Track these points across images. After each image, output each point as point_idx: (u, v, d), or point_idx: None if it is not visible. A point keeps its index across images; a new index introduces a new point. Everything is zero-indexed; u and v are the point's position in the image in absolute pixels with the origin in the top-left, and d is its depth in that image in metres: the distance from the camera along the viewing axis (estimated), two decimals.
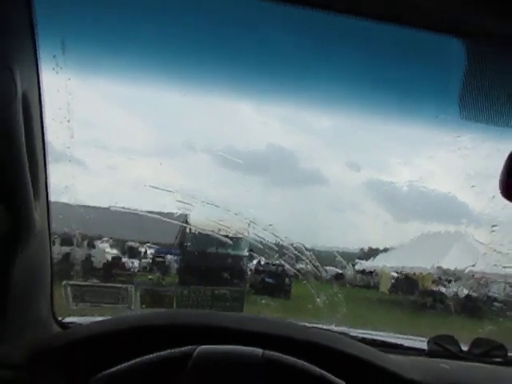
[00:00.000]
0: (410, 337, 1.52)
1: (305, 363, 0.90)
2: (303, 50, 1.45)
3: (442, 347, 1.29)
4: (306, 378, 0.89)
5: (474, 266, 3.10)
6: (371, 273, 7.34)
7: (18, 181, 0.90)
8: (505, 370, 1.25)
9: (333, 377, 0.89)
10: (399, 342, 1.38)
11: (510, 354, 1.31)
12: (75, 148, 1.26)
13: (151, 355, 0.89)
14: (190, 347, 0.90)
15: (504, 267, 2.56)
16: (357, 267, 6.77)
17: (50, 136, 1.03)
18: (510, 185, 0.72)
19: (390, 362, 1.08)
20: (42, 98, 0.95)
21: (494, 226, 2.22)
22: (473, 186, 2.33)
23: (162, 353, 0.89)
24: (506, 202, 0.74)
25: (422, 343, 1.36)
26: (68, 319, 1.29)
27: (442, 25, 0.85)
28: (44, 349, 1.04)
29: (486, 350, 1.30)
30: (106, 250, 8.84)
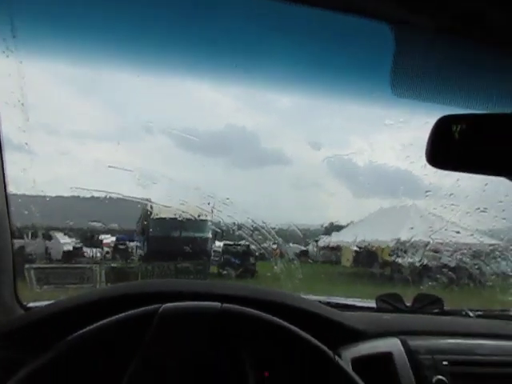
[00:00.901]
0: (362, 300, 1.62)
1: (261, 313, 0.95)
2: (258, 27, 1.44)
3: (389, 303, 1.43)
4: (263, 325, 0.94)
5: (429, 236, 3.26)
6: (333, 248, 7.57)
7: None
8: (440, 318, 1.41)
9: (288, 324, 0.95)
10: (352, 303, 1.48)
11: (446, 308, 1.45)
12: (27, 134, 1.20)
13: (117, 316, 0.91)
14: (155, 306, 0.93)
15: (454, 236, 2.72)
16: (320, 243, 6.95)
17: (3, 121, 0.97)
18: (434, 153, 0.78)
19: (341, 316, 1.20)
20: None
21: (450, 195, 2.33)
22: (407, 157, 2.43)
23: (127, 313, 0.92)
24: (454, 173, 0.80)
25: (372, 303, 1.47)
26: (33, 304, 1.27)
27: (375, 12, 0.89)
28: (8, 330, 1.04)
29: (425, 304, 1.45)
30: (63, 241, 8.55)
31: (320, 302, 1.36)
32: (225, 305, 0.96)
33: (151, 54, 1.38)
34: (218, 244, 7.71)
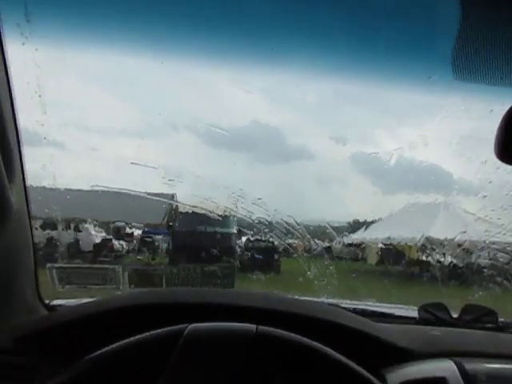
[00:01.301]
0: (400, 306, 1.53)
1: (300, 337, 0.88)
2: (285, 18, 1.39)
3: (433, 314, 1.29)
4: (302, 351, 0.87)
5: (462, 234, 3.14)
6: (359, 245, 7.44)
7: None
8: (496, 335, 1.25)
9: (328, 349, 0.87)
10: (389, 311, 1.38)
11: (500, 320, 1.30)
12: (49, 129, 1.19)
13: (141, 335, 0.86)
14: (180, 326, 0.87)
15: (492, 235, 2.59)
16: (345, 240, 6.84)
17: (21, 114, 0.96)
18: (506, 146, 0.69)
19: (381, 331, 1.08)
20: (9, 72, 0.87)
21: (482, 193, 2.22)
22: (462, 152, 2.31)
23: (152, 332, 0.86)
24: (497, 167, 0.71)
25: (412, 312, 1.36)
26: (55, 302, 1.27)
27: None
28: (30, 332, 1.03)
29: (476, 317, 1.30)
30: (93, 233, 8.78)
31: (355, 309, 1.28)
32: (260, 327, 0.88)
33: (178, 47, 1.36)
34: (243, 239, 7.72)
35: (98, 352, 0.84)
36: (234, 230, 6.98)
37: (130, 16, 1.18)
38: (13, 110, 0.94)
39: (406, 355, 1.03)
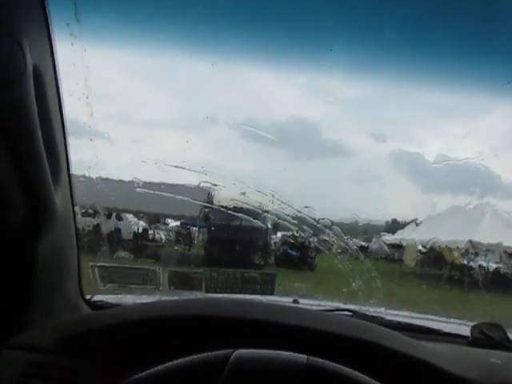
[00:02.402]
0: (446, 319, 1.45)
1: (350, 370, 0.83)
2: (328, 12, 1.36)
3: (488, 336, 1.18)
4: None
5: (507, 240, 2.98)
6: (397, 246, 7.24)
7: (34, 161, 0.86)
8: None
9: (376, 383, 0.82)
10: (436, 326, 1.30)
11: None
12: (96, 123, 1.22)
13: (185, 359, 0.84)
14: (226, 351, 0.84)
15: None
16: (382, 240, 6.68)
17: (68, 114, 0.99)
18: None
19: (428, 353, 1.00)
20: (58, 72, 0.91)
21: None
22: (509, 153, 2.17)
23: (196, 356, 0.84)
24: None
25: (463, 329, 1.25)
26: (96, 298, 1.29)
27: None
28: (73, 333, 1.03)
29: None
30: (133, 222, 9.07)
31: (399, 324, 1.23)
32: (311, 359, 0.84)
33: (221, 45, 1.37)
34: (278, 235, 7.71)
35: (142, 374, 0.82)
36: (269, 225, 6.98)
37: (177, 14, 1.19)
38: (61, 111, 0.97)
39: None
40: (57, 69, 0.90)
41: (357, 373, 0.82)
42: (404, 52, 1.44)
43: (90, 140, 1.16)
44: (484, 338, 1.18)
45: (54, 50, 0.88)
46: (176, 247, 8.17)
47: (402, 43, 1.41)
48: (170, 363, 0.82)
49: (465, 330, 1.23)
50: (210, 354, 0.83)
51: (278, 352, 0.86)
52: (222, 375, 0.80)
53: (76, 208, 1.16)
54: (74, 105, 0.96)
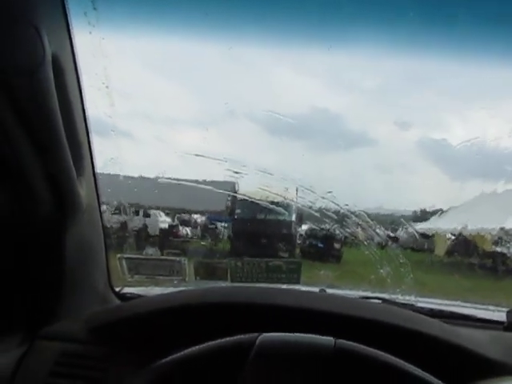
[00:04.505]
0: (480, 306, 1.40)
1: (380, 353, 0.82)
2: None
3: None
4: (384, 368, 0.82)
5: None
6: (426, 235, 7.07)
7: (56, 153, 0.87)
8: None
9: (410, 366, 0.81)
10: (469, 312, 1.26)
11: None
12: (117, 118, 1.23)
13: (211, 343, 0.84)
14: (251, 335, 0.84)
15: None
16: (411, 229, 6.53)
17: (89, 104, 0.99)
18: None
19: (467, 339, 0.97)
20: (77, 62, 0.91)
21: None
22: None
23: (222, 341, 0.84)
24: None
25: (498, 315, 1.23)
26: (126, 290, 1.32)
27: None
28: (104, 322, 1.06)
29: None
30: (160, 219, 9.21)
31: (432, 310, 1.20)
32: (338, 341, 0.83)
33: (240, 34, 1.35)
34: (304, 227, 7.67)
35: (168, 359, 0.83)
36: (294, 218, 6.96)
37: (195, 3, 1.18)
38: (82, 102, 0.97)
39: (499, 369, 0.92)
40: (76, 58, 0.91)
41: (388, 355, 0.80)
42: (426, 36, 1.39)
43: (112, 131, 1.16)
44: None
45: (73, 39, 0.88)
46: (202, 242, 8.25)
47: (423, 27, 1.36)
48: (196, 347, 0.82)
49: (500, 316, 1.20)
50: (235, 337, 0.83)
51: (303, 335, 0.85)
52: (249, 359, 0.80)
53: (101, 202, 1.17)
54: (94, 95, 0.96)
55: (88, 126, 1.00)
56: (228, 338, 0.84)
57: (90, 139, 1.02)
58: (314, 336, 0.84)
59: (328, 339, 0.83)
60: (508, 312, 1.19)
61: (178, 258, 1.72)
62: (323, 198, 2.44)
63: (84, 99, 0.97)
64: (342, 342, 0.83)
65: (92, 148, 1.04)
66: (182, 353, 0.84)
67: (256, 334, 0.83)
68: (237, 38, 1.39)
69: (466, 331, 1.07)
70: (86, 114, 0.99)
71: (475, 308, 1.37)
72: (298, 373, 0.79)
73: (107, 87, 1.02)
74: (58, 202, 0.91)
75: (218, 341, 0.84)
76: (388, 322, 0.96)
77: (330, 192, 2.38)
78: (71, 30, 0.86)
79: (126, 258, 1.51)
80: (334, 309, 0.99)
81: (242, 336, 0.84)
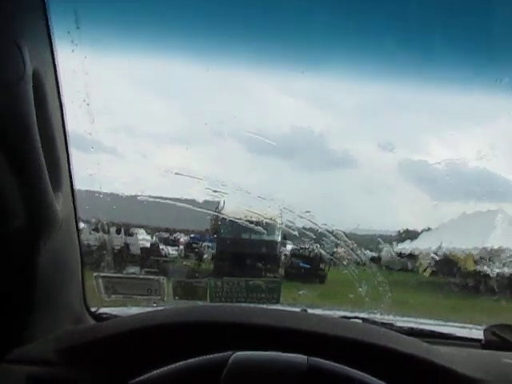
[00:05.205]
0: (461, 325, 1.41)
1: (354, 371, 0.81)
2: (330, 22, 1.36)
3: (501, 338, 1.15)
4: None
5: None
6: (409, 255, 7.14)
7: (32, 168, 0.85)
8: None
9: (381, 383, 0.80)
10: (449, 331, 1.27)
11: None
12: (97, 135, 1.22)
13: (184, 362, 0.83)
14: (224, 354, 0.82)
15: None
16: (393, 250, 6.59)
17: (69, 120, 0.99)
18: None
19: (441, 356, 0.97)
20: (59, 79, 0.90)
21: None
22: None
23: (195, 360, 0.83)
24: None
25: (476, 333, 1.23)
26: (102, 310, 1.28)
27: None
28: (75, 343, 1.02)
29: None
30: (142, 238, 9.07)
31: (412, 329, 1.20)
32: (311, 359, 0.82)
33: (223, 55, 1.37)
34: (288, 248, 7.65)
35: (141, 378, 0.81)
36: (278, 238, 6.95)
37: (177, 23, 1.20)
38: (62, 118, 0.96)
39: None
40: (58, 75, 0.90)
41: (361, 373, 0.79)
42: (405, 59, 1.43)
43: (92, 148, 1.15)
44: (497, 339, 1.15)
45: (55, 57, 0.88)
46: (185, 263, 8.14)
47: (402, 50, 1.40)
48: (170, 366, 0.81)
49: (478, 333, 1.20)
50: (208, 356, 0.81)
51: (277, 353, 0.84)
52: (221, 378, 0.78)
53: (79, 218, 1.14)
54: (75, 111, 0.96)
55: (67, 141, 0.99)
56: (201, 357, 0.83)
57: (69, 154, 1.00)
58: (287, 354, 0.83)
59: (301, 357, 0.82)
60: (485, 330, 1.19)
61: (156, 277, 1.68)
62: (301, 217, 2.44)
63: (64, 115, 0.96)
64: (315, 359, 0.82)
65: (71, 163, 1.03)
66: (155, 372, 0.82)
67: (230, 353, 0.82)
68: (218, 60, 1.41)
69: (445, 349, 1.06)
70: (66, 130, 0.98)
71: (455, 327, 1.38)
72: None
73: (88, 104, 1.02)
74: (31, 215, 0.89)
75: (191, 360, 0.83)
76: (365, 341, 0.95)
77: (308, 212, 2.39)
78: (54, 48, 0.86)
79: (103, 277, 1.47)
80: (310, 328, 0.97)
81: (216, 355, 0.83)
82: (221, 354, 0.82)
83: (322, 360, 0.81)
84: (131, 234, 8.82)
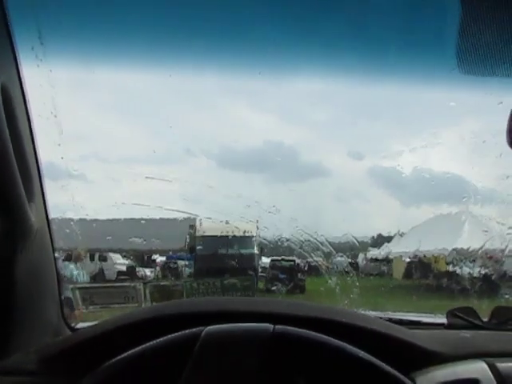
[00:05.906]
0: (427, 314, 1.47)
1: (317, 334, 0.85)
2: (295, 36, 1.42)
3: (461, 318, 1.23)
4: (323, 349, 0.84)
5: (487, 243, 3.04)
6: (384, 260, 7.28)
7: (6, 182, 0.85)
8: None
9: (352, 347, 0.84)
10: (417, 319, 1.33)
11: None
12: (62, 148, 1.22)
13: (157, 340, 0.86)
14: (197, 329, 0.86)
15: None
16: (368, 256, 6.71)
17: (37, 132, 1.00)
18: None
19: (407, 335, 1.03)
20: (26, 93, 0.92)
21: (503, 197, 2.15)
22: (484, 142, 2.20)
23: (168, 337, 0.86)
24: None
25: (440, 318, 1.31)
26: (80, 325, 1.26)
27: None
28: (54, 352, 1.02)
29: (507, 319, 1.23)
30: (117, 262, 8.87)
31: (380, 318, 1.24)
32: (277, 326, 0.86)
33: (189, 70, 1.39)
34: (266, 260, 7.66)
35: (116, 358, 0.84)
36: (256, 251, 6.95)
37: (142, 37, 1.22)
38: (31, 130, 0.97)
39: (437, 358, 0.98)
40: (24, 89, 0.91)
41: (325, 336, 0.83)
42: (367, 71, 1.49)
43: (62, 158, 1.16)
44: (458, 321, 1.22)
45: (21, 72, 0.89)
46: (163, 283, 8.02)
47: (369, 62, 1.46)
48: (145, 345, 0.83)
49: (444, 320, 1.27)
50: (181, 332, 0.84)
51: (245, 324, 0.88)
52: (194, 351, 0.82)
53: (52, 228, 1.14)
54: (43, 124, 0.97)
55: (37, 153, 1.00)
56: (174, 334, 0.85)
57: (40, 166, 1.01)
58: (254, 324, 0.87)
59: (267, 325, 0.86)
60: (447, 313, 1.25)
61: (132, 284, 1.67)
62: (283, 229, 2.48)
63: (33, 127, 0.97)
64: (281, 327, 0.86)
65: (42, 175, 1.03)
66: (130, 351, 0.84)
67: (201, 328, 0.86)
68: (188, 77, 1.43)
69: (410, 330, 1.10)
70: (35, 142, 0.98)
71: (422, 316, 1.43)
72: (239, 358, 0.82)
73: (55, 116, 1.03)
74: (5, 223, 0.88)
75: (165, 337, 0.85)
76: (332, 319, 0.99)
77: (289, 226, 2.43)
78: (19, 63, 0.87)
79: (80, 288, 1.45)
80: (281, 310, 1.01)
81: (188, 330, 0.86)
82: (193, 329, 0.86)
83: (288, 327, 0.86)
84: (105, 259, 8.62)
